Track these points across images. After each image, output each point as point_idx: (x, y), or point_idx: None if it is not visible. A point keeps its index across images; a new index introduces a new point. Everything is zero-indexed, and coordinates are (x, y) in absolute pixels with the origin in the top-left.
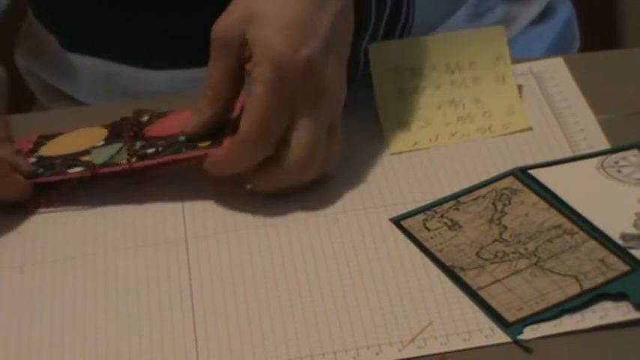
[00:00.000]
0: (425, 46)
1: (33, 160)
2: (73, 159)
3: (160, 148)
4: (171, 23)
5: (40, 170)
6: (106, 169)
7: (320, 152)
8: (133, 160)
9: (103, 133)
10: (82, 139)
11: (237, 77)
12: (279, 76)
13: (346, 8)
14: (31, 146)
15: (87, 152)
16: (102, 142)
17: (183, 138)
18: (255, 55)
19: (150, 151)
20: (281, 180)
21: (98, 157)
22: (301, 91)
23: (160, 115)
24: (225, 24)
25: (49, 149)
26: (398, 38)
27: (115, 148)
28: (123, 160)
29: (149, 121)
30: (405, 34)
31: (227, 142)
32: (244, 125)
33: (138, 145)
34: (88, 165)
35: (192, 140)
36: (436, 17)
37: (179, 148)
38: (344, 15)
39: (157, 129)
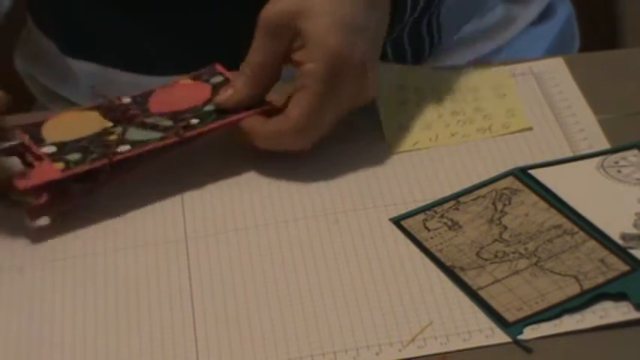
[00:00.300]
0: (429, 75)
1: (52, 148)
2: (100, 139)
3: (196, 120)
4: (171, 28)
5: (77, 156)
6: (158, 144)
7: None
8: (181, 132)
9: (97, 116)
10: (82, 124)
11: (280, 64)
12: (334, 74)
13: (387, 5)
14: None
15: (109, 132)
16: (110, 124)
17: (211, 107)
18: (310, 51)
19: (194, 121)
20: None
21: (134, 136)
22: (349, 89)
23: (147, 95)
24: (277, 12)
25: (53, 134)
26: (427, 28)
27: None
28: (167, 136)
29: (138, 102)
30: (433, 24)
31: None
32: (295, 115)
33: (168, 122)
34: (134, 144)
35: (223, 112)
36: (464, 14)
37: (216, 118)
38: (386, 13)
39: (160, 106)
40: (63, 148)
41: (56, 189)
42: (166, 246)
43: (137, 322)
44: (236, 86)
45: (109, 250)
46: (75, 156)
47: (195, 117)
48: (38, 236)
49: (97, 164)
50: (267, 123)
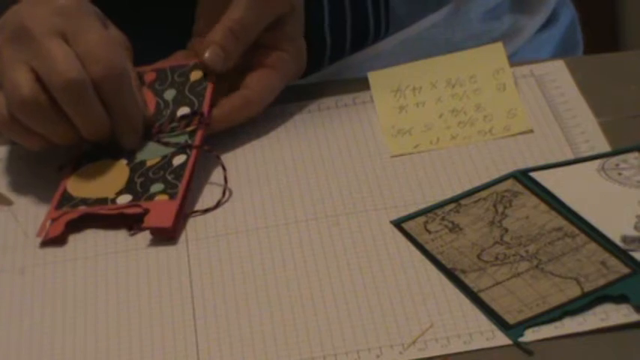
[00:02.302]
0: (425, 68)
1: (126, 197)
2: (147, 169)
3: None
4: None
5: (161, 186)
6: (200, 138)
7: None
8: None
9: (110, 162)
10: (106, 176)
11: (257, 35)
12: (298, 67)
13: None
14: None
15: (143, 164)
16: (126, 161)
17: (172, 93)
18: (285, 41)
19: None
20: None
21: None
22: None
23: None
24: None
25: (85, 191)
26: (374, 20)
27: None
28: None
29: None
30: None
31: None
32: (260, 88)
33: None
34: (188, 145)
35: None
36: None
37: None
38: None
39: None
40: (132, 192)
41: None
42: (166, 246)
43: (137, 322)
44: (225, 47)
45: (109, 252)
46: (159, 186)
47: (181, 106)
48: (39, 238)
49: (189, 173)
50: (230, 98)
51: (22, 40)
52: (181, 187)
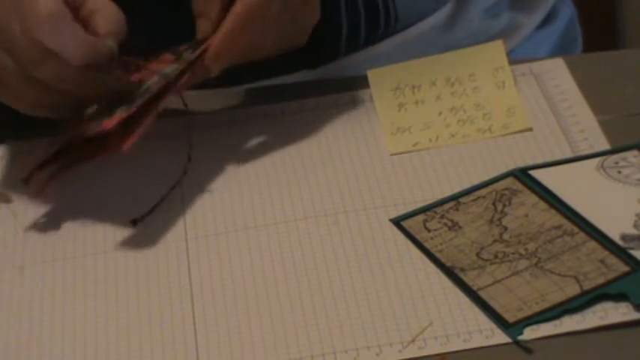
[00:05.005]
0: (424, 66)
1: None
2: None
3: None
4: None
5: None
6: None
7: None
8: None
9: None
10: None
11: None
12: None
13: None
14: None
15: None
16: None
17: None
18: None
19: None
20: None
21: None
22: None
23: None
24: None
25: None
26: (384, 11)
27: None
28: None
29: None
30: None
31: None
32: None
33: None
34: (167, 75)
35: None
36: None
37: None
38: None
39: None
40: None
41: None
42: (166, 246)
43: (137, 322)
44: (210, 16)
45: (109, 251)
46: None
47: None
48: (38, 236)
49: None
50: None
51: None
52: (141, 101)
